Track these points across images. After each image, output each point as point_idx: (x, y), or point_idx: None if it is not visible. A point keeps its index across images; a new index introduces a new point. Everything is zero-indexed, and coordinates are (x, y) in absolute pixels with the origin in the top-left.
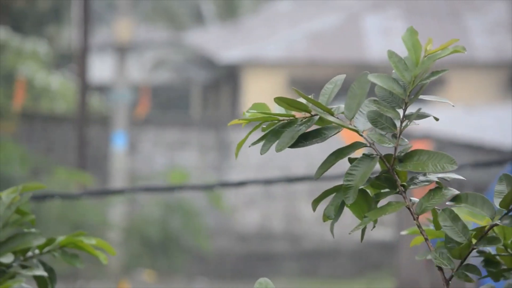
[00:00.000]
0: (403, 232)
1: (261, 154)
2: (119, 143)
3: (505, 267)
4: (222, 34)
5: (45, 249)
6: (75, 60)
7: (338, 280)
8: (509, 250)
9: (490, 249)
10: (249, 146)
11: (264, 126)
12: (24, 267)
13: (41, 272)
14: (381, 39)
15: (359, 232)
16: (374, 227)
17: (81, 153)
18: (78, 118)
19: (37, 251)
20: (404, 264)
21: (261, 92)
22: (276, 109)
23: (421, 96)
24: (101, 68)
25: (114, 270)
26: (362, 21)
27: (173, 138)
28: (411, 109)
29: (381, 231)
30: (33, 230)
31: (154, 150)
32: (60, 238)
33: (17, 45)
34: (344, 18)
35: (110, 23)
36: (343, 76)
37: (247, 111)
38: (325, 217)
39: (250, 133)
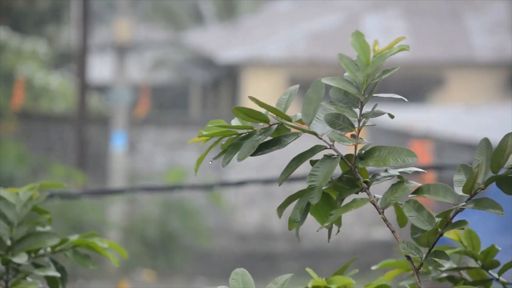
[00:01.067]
0: (374, 267)
1: (222, 166)
2: (118, 143)
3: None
4: (222, 34)
5: (57, 248)
6: (74, 60)
7: None
8: (478, 261)
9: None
10: (210, 162)
11: (223, 142)
12: (35, 265)
13: (53, 272)
14: (381, 39)
15: (358, 231)
16: (338, 231)
17: (81, 153)
18: (78, 118)
19: (49, 250)
20: None
21: (261, 92)
22: (234, 120)
23: (375, 94)
24: (100, 68)
25: (114, 270)
26: (362, 21)
27: (173, 138)
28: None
29: (381, 231)
30: (47, 228)
31: (154, 150)
32: (73, 238)
33: (16, 45)
34: (344, 18)
35: (110, 23)
36: (296, 86)
37: (204, 129)
38: (292, 223)
39: (209, 148)
